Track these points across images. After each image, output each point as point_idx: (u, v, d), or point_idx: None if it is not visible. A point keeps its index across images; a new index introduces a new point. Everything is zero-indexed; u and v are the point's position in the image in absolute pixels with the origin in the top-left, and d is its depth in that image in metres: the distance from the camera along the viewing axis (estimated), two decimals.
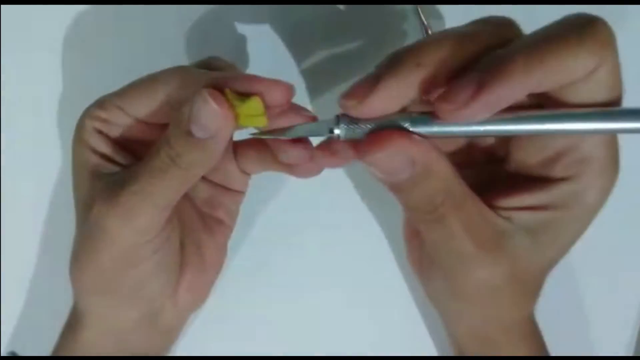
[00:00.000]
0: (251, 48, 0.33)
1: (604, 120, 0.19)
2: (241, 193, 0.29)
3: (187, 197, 0.28)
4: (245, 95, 0.21)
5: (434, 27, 0.32)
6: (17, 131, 0.33)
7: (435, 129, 0.20)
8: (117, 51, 0.33)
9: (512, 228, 0.22)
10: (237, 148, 0.27)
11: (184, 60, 0.32)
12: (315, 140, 0.23)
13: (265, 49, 0.33)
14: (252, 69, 0.33)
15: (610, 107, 0.20)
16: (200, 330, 0.31)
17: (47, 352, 0.27)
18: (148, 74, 0.24)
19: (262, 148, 0.26)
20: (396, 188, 0.21)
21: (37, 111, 0.33)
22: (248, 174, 0.28)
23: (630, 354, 0.32)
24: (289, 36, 0.33)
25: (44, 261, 0.32)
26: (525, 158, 0.23)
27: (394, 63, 0.20)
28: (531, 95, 0.21)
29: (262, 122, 0.21)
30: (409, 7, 0.33)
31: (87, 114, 0.25)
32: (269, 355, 0.31)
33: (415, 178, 0.20)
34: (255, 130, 0.23)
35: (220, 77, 0.22)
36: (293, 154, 0.23)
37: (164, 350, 0.29)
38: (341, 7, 0.33)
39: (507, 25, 0.21)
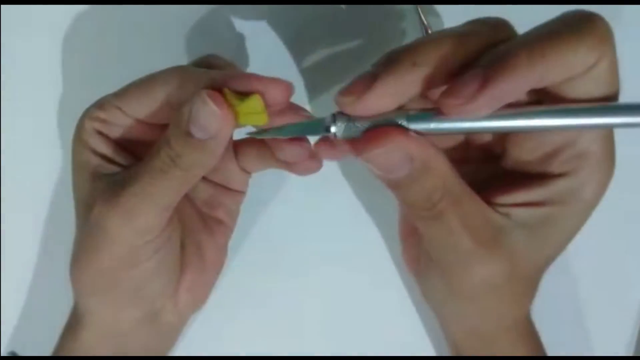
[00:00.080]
0: (251, 48, 0.33)
1: (604, 115, 0.19)
2: (241, 193, 0.29)
3: (187, 198, 0.28)
4: (244, 94, 0.21)
5: (434, 27, 0.32)
6: (17, 131, 0.33)
7: (432, 125, 0.20)
8: (117, 51, 0.33)
9: (510, 224, 0.22)
10: (237, 147, 0.27)
11: (184, 60, 0.32)
12: (312, 139, 0.24)
13: (265, 49, 0.33)
14: (251, 69, 0.33)
15: (609, 102, 0.20)
16: (200, 330, 0.31)
17: (47, 352, 0.27)
18: (147, 74, 0.24)
19: (263, 146, 0.26)
20: (394, 185, 0.21)
21: (37, 111, 0.33)
22: (248, 173, 0.28)
23: (630, 354, 0.32)
24: (288, 36, 0.33)
25: (44, 261, 0.32)
26: (523, 155, 0.23)
27: (391, 62, 0.20)
28: (529, 93, 0.21)
29: (263, 120, 0.21)
30: (408, 7, 0.33)
31: (87, 114, 0.25)
32: (269, 355, 0.31)
33: (413, 175, 0.20)
34: (253, 130, 0.23)
35: (220, 76, 0.22)
36: (290, 151, 0.24)
37: (164, 351, 0.29)
38: (341, 6, 0.33)
39: (503, 25, 0.21)
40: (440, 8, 0.33)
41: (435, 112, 0.20)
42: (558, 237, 0.23)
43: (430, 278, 0.26)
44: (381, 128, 0.20)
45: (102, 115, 0.24)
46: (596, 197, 0.22)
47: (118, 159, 0.25)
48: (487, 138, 0.25)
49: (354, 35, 0.33)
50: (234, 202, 0.29)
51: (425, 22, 0.32)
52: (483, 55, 0.20)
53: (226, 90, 0.21)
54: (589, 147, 0.21)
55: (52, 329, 0.27)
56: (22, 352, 0.32)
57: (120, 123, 0.24)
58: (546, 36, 0.19)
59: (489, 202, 0.23)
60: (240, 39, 0.33)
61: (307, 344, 0.31)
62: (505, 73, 0.18)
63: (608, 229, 0.32)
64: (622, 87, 0.21)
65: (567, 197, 0.22)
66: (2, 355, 0.32)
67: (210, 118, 0.20)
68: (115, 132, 0.25)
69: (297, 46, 0.33)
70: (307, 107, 0.33)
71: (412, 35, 0.33)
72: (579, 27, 0.19)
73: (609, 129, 0.21)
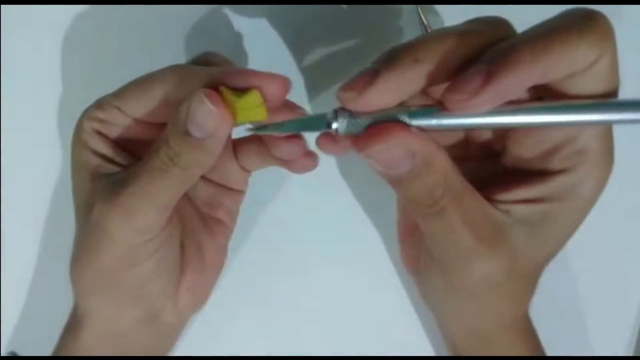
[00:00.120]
0: (250, 48, 0.33)
1: (604, 111, 0.20)
2: (241, 192, 0.29)
3: (187, 198, 0.28)
4: (242, 91, 0.22)
5: (434, 27, 0.32)
6: (17, 131, 0.33)
7: (433, 122, 0.20)
8: (117, 51, 0.33)
9: (511, 221, 0.22)
10: (236, 145, 0.27)
11: (183, 60, 0.32)
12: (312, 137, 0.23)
13: (264, 49, 0.33)
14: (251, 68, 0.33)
15: (609, 99, 0.20)
16: (200, 330, 0.31)
17: (47, 352, 0.27)
18: (145, 74, 0.24)
19: (262, 143, 0.26)
20: (396, 181, 0.21)
21: (37, 111, 0.33)
22: (248, 172, 0.28)
23: (630, 354, 0.32)
24: (288, 36, 0.33)
25: (44, 261, 0.32)
26: (523, 152, 0.23)
27: (392, 58, 0.20)
28: (530, 90, 0.21)
29: (262, 116, 0.21)
30: (408, 7, 0.33)
31: (86, 115, 0.25)
32: (269, 355, 0.31)
33: (414, 171, 0.20)
34: (251, 127, 0.23)
35: (217, 73, 0.22)
36: (286, 149, 0.24)
37: (164, 351, 0.29)
38: (341, 6, 0.33)
39: (503, 24, 0.21)
40: (440, 8, 0.33)
41: (436, 108, 0.20)
42: (558, 234, 0.23)
43: (430, 277, 0.26)
44: (383, 124, 0.20)
45: (101, 115, 0.24)
46: (595, 194, 0.22)
47: (117, 159, 0.25)
48: (487, 136, 0.25)
49: (354, 35, 0.33)
50: (234, 202, 0.29)
51: (425, 22, 0.32)
52: (485, 52, 0.20)
53: (223, 88, 0.21)
54: (588, 144, 0.21)
55: (52, 329, 0.27)
56: (22, 352, 0.32)
57: (119, 123, 0.24)
58: (548, 33, 0.19)
59: (489, 199, 0.23)
60: (239, 38, 0.33)
61: (307, 344, 0.31)
62: (508, 69, 0.19)
63: (608, 228, 0.32)
64: (622, 85, 0.21)
65: (566, 193, 0.22)
66: (2, 355, 0.32)
67: (208, 117, 0.21)
68: (115, 132, 0.25)
69: (296, 46, 0.33)
70: (307, 107, 0.33)
71: (412, 35, 0.33)
72: (580, 24, 0.19)
73: (607, 126, 0.21)
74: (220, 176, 0.28)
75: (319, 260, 0.32)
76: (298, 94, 0.33)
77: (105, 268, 0.24)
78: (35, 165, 0.33)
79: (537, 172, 0.22)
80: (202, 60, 0.27)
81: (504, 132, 0.24)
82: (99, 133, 0.25)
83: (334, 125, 0.21)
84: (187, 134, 0.21)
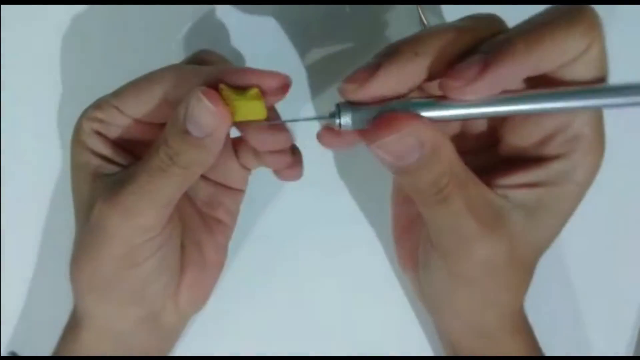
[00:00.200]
0: (251, 48, 0.33)
1: (596, 96, 0.21)
2: (241, 192, 0.29)
3: (187, 197, 0.28)
4: (242, 89, 0.22)
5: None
6: (17, 131, 0.33)
7: (434, 113, 0.21)
8: (117, 51, 0.33)
9: (509, 206, 0.23)
10: (236, 144, 0.27)
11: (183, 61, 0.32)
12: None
13: (264, 49, 0.33)
14: None
15: (600, 85, 0.21)
16: (200, 330, 0.31)
17: (47, 352, 0.27)
18: (144, 74, 0.24)
19: None
20: (403, 171, 0.21)
21: (37, 111, 0.33)
22: (248, 170, 0.28)
23: (630, 354, 0.32)
24: (289, 36, 0.33)
25: (44, 261, 0.32)
26: (520, 140, 0.23)
27: (393, 52, 0.21)
28: (526, 81, 0.22)
29: (261, 114, 0.22)
30: (408, 7, 0.33)
31: (85, 115, 0.25)
32: (269, 355, 0.31)
33: (422, 160, 0.21)
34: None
35: (216, 72, 0.22)
36: (271, 160, 0.25)
37: (164, 352, 0.29)
38: (341, 6, 0.33)
39: (496, 20, 0.22)
40: (440, 8, 0.33)
41: (436, 100, 0.21)
42: (553, 220, 0.24)
43: (429, 267, 0.26)
44: (393, 114, 0.20)
45: (99, 115, 0.24)
46: (588, 179, 0.23)
47: (117, 159, 0.25)
48: (482, 127, 0.26)
49: (355, 35, 0.33)
50: (234, 202, 0.29)
51: (425, 21, 0.32)
52: (481, 46, 0.21)
53: (222, 86, 0.21)
54: (581, 130, 0.22)
55: (52, 329, 0.27)
56: (22, 352, 0.32)
57: (118, 123, 0.24)
58: (540, 26, 0.20)
59: (488, 185, 0.23)
60: (239, 39, 0.33)
61: (307, 344, 0.31)
62: (504, 59, 0.19)
63: (608, 228, 0.32)
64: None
65: (561, 178, 0.22)
66: (2, 355, 0.32)
67: (206, 115, 0.21)
68: (114, 132, 0.25)
69: (297, 46, 0.33)
70: (307, 107, 0.33)
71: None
72: (570, 16, 0.20)
73: (599, 114, 0.22)
74: (220, 175, 0.28)
75: (319, 260, 0.32)
76: (298, 94, 0.33)
77: (106, 268, 0.24)
78: (35, 165, 0.33)
79: (534, 158, 0.23)
80: (198, 59, 0.27)
81: (498, 123, 0.24)
82: (98, 133, 0.25)
83: (336, 121, 0.21)
84: (186, 132, 0.21)
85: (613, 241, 0.32)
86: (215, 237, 0.28)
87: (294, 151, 0.26)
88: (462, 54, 0.21)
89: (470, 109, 0.21)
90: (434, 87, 0.21)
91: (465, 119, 0.24)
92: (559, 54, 0.20)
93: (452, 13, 0.33)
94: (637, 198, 0.32)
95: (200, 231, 0.28)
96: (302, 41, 0.33)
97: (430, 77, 0.21)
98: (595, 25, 0.20)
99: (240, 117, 0.21)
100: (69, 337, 0.26)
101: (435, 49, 0.20)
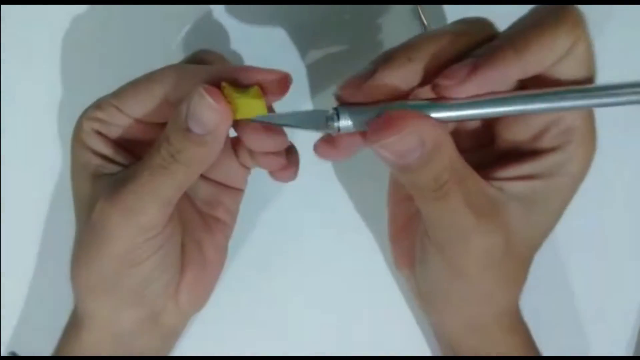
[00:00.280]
0: (250, 48, 0.33)
1: (587, 97, 0.21)
2: (240, 191, 0.29)
3: (187, 197, 0.28)
4: (243, 87, 0.22)
5: (434, 27, 0.32)
6: (17, 131, 0.33)
7: (431, 115, 0.21)
8: (117, 51, 0.33)
9: (505, 198, 0.23)
10: (236, 143, 0.27)
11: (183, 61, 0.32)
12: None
13: (264, 49, 0.33)
14: None
15: (589, 85, 0.22)
16: (201, 330, 0.31)
17: (47, 352, 0.27)
18: (145, 74, 0.24)
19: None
20: (405, 169, 0.21)
21: (37, 111, 0.33)
22: (248, 169, 0.28)
23: (630, 354, 0.32)
24: (288, 37, 0.33)
25: (44, 261, 0.32)
26: (514, 135, 0.24)
27: (388, 58, 0.21)
28: (518, 81, 0.22)
29: (262, 112, 0.22)
30: (409, 7, 0.33)
31: (85, 115, 0.25)
32: (269, 355, 0.31)
33: (424, 157, 0.21)
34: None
35: (217, 70, 0.23)
36: (265, 162, 0.25)
37: (165, 352, 0.29)
38: (341, 7, 0.33)
39: (486, 25, 0.23)
40: (440, 8, 0.33)
41: (431, 102, 0.21)
42: (548, 212, 0.24)
43: (426, 263, 0.26)
44: (395, 113, 0.20)
45: (100, 115, 0.24)
46: (582, 171, 0.23)
47: (118, 159, 0.25)
48: (476, 125, 0.26)
49: (354, 36, 0.33)
50: (234, 201, 0.29)
51: (425, 22, 0.32)
52: (473, 51, 0.21)
53: (224, 84, 0.22)
54: (573, 123, 0.22)
55: (52, 329, 0.27)
56: (22, 352, 0.32)
57: (118, 123, 0.25)
58: (528, 28, 0.21)
59: (484, 179, 0.23)
60: (239, 38, 0.33)
61: (307, 344, 0.31)
62: (494, 63, 0.20)
63: (608, 228, 0.32)
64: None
65: (556, 170, 0.23)
66: (2, 355, 0.32)
67: (208, 112, 0.21)
68: (114, 132, 0.25)
69: (296, 46, 0.33)
70: (306, 108, 0.33)
71: (412, 35, 0.33)
72: (555, 16, 0.21)
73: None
74: (219, 174, 0.28)
75: (319, 260, 0.32)
76: (298, 94, 0.33)
77: (106, 267, 0.24)
78: (35, 165, 0.33)
79: (529, 152, 0.23)
80: (197, 59, 0.27)
81: (492, 121, 0.25)
82: (99, 133, 0.25)
83: (335, 123, 0.21)
84: (187, 130, 0.21)
85: (613, 241, 0.32)
86: (215, 236, 0.28)
87: (291, 152, 0.26)
88: (454, 58, 0.21)
89: (464, 110, 0.21)
90: (426, 95, 0.22)
91: (459, 121, 0.25)
92: (546, 55, 0.21)
93: (453, 13, 0.33)
94: (638, 197, 0.32)
95: (200, 231, 0.28)
96: (301, 42, 0.33)
97: (424, 82, 0.21)
98: (579, 23, 0.21)
99: (241, 115, 0.22)
100: (70, 337, 0.26)
101: (428, 55, 0.21)
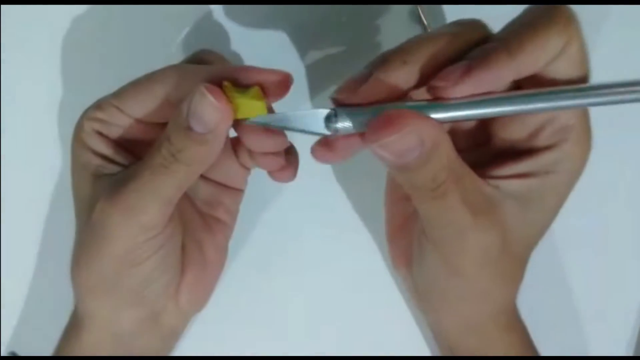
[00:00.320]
0: (250, 48, 0.33)
1: (581, 96, 0.21)
2: (240, 191, 0.29)
3: (187, 197, 0.28)
4: (244, 87, 0.22)
5: (434, 27, 0.32)
6: (17, 131, 0.33)
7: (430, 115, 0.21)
8: (117, 51, 0.33)
9: (501, 196, 0.23)
10: (236, 143, 0.27)
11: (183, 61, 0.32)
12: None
13: (264, 50, 0.33)
14: None
15: (583, 84, 0.22)
16: (201, 330, 0.31)
17: (47, 352, 0.27)
18: (145, 74, 0.24)
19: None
20: (404, 169, 0.21)
21: (37, 111, 0.33)
22: (248, 169, 0.28)
23: (630, 354, 0.32)
24: (288, 37, 0.33)
25: (44, 261, 0.32)
26: (510, 134, 0.24)
27: (383, 61, 0.21)
28: (513, 81, 0.22)
29: (262, 112, 0.22)
30: (408, 8, 0.33)
31: (85, 115, 0.25)
32: (269, 355, 0.31)
33: (423, 157, 0.21)
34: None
35: (217, 70, 0.23)
36: (264, 162, 0.25)
37: (165, 353, 0.29)
38: (341, 6, 0.33)
39: (480, 26, 0.23)
40: (440, 8, 0.33)
41: (428, 103, 0.21)
42: (544, 210, 0.24)
43: (424, 263, 0.26)
44: (394, 113, 0.20)
45: (100, 115, 0.24)
46: (578, 168, 0.23)
47: (118, 159, 0.25)
48: (472, 125, 0.26)
49: (354, 35, 0.33)
50: (234, 201, 0.29)
51: (425, 22, 0.32)
52: (467, 53, 0.22)
53: (226, 84, 0.22)
54: (568, 121, 0.23)
55: (52, 329, 0.27)
56: (22, 352, 0.32)
57: (119, 123, 0.25)
58: (521, 31, 0.21)
59: (480, 177, 0.23)
60: (239, 39, 0.33)
61: (307, 344, 0.31)
62: (488, 65, 0.21)
63: (608, 228, 0.32)
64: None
65: (552, 168, 0.23)
66: (2, 355, 0.32)
67: (209, 110, 0.21)
68: (115, 132, 0.25)
69: (296, 46, 0.33)
70: (305, 108, 0.33)
71: (412, 35, 0.33)
72: (547, 16, 0.21)
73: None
74: (219, 175, 0.28)
75: (319, 260, 0.32)
76: (298, 95, 0.33)
77: (106, 267, 0.24)
78: (35, 165, 0.33)
79: (525, 150, 0.23)
80: (197, 59, 0.27)
81: (488, 120, 0.25)
82: (99, 133, 0.25)
83: (333, 124, 0.21)
84: (188, 129, 0.21)
85: (613, 239, 0.32)
86: (215, 236, 0.28)
87: (290, 152, 0.26)
88: (448, 60, 0.21)
89: (461, 111, 0.21)
90: (421, 96, 0.22)
91: (456, 121, 0.25)
92: (539, 56, 0.21)
93: (453, 13, 0.33)
94: (638, 196, 0.33)
95: (200, 231, 0.28)
96: (301, 42, 0.33)
97: (419, 84, 0.22)
98: (571, 23, 0.21)
99: (241, 115, 0.22)
100: (70, 337, 0.26)
101: (423, 57, 0.21)
